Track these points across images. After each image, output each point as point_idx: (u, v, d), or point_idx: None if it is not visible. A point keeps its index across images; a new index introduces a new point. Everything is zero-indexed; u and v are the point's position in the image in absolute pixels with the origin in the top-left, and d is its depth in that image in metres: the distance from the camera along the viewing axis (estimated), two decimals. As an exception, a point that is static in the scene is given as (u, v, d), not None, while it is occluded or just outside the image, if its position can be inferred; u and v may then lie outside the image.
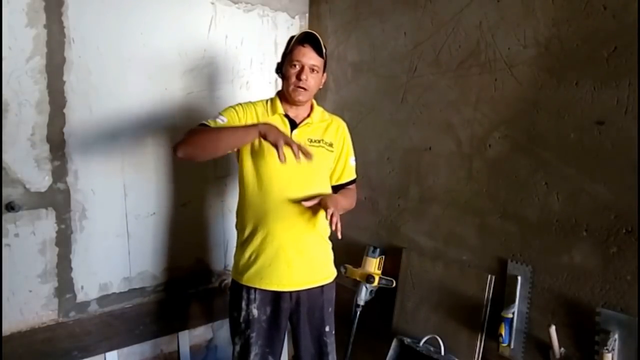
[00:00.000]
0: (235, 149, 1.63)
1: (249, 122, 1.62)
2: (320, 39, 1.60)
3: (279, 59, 1.71)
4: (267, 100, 1.71)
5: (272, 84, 2.44)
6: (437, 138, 1.93)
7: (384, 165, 2.17)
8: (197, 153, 1.50)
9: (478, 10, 1.76)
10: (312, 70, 1.60)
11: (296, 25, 2.52)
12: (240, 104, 1.68)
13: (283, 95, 1.68)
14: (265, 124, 1.49)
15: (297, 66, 1.59)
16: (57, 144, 1.81)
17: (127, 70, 1.96)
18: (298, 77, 1.59)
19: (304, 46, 1.59)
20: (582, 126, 1.47)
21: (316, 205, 1.57)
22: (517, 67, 1.64)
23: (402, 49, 2.06)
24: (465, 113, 1.82)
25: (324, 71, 1.68)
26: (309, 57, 1.59)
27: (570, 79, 1.49)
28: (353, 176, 1.82)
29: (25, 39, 1.70)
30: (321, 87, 1.73)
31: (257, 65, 2.38)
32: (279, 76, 1.69)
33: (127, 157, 2.00)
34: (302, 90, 1.60)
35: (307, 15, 2.57)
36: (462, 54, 1.82)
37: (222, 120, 1.58)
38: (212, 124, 1.55)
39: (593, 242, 1.45)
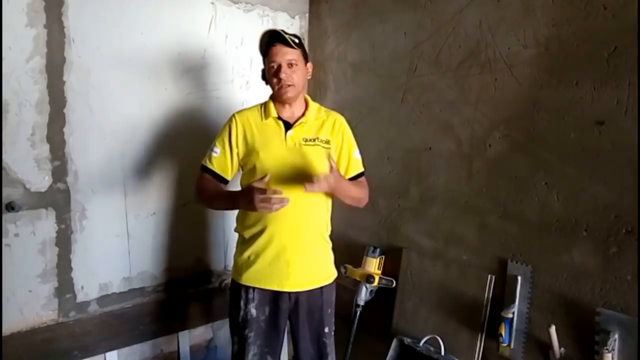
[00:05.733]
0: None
1: (240, 137, 1.64)
2: (284, 33, 1.58)
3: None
4: (261, 105, 1.70)
5: (272, 84, 2.44)
6: (437, 138, 1.93)
7: (384, 165, 2.17)
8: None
9: (478, 10, 1.76)
10: (290, 65, 1.59)
11: (296, 25, 2.52)
12: (234, 117, 1.68)
13: (276, 97, 1.68)
14: (241, 198, 1.51)
15: (274, 66, 1.59)
16: (57, 144, 1.81)
17: (127, 70, 1.96)
18: (277, 76, 1.58)
19: (274, 46, 1.58)
20: (582, 126, 1.47)
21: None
22: (517, 67, 1.64)
23: (402, 49, 2.06)
24: (465, 113, 1.82)
25: (306, 61, 1.67)
26: (282, 53, 1.58)
27: (570, 79, 1.49)
28: (360, 169, 1.78)
29: (25, 39, 1.70)
30: (309, 77, 1.71)
31: (257, 65, 2.34)
32: (265, 83, 1.69)
33: (127, 157, 2.00)
34: (287, 86, 1.59)
35: (307, 15, 2.57)
36: (462, 54, 1.82)
37: (215, 153, 1.66)
38: (208, 164, 1.67)
39: (593, 242, 1.45)
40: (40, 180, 1.79)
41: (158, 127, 2.07)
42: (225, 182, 1.70)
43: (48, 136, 1.78)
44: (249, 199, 1.43)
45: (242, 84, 2.34)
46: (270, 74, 1.61)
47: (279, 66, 1.58)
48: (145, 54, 2.00)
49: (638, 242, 1.35)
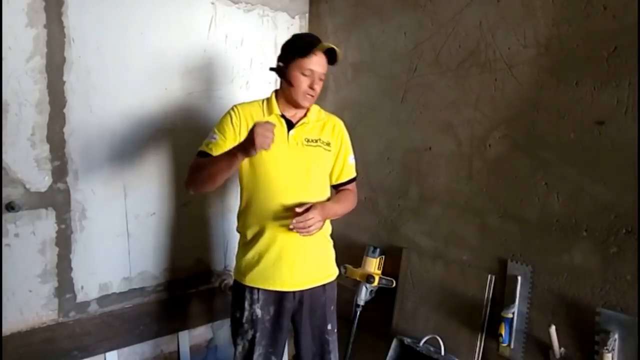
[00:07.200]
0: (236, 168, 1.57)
1: (243, 129, 1.59)
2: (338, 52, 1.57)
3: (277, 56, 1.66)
4: (263, 100, 1.69)
5: (272, 84, 2.44)
6: (437, 138, 1.93)
7: (384, 165, 2.16)
8: (204, 189, 1.60)
9: (478, 10, 1.76)
10: (321, 79, 1.60)
11: (296, 25, 2.52)
12: (235, 108, 1.65)
13: (281, 95, 1.66)
14: (242, 143, 1.41)
15: (310, 75, 1.56)
16: (57, 144, 1.81)
17: (127, 70, 1.96)
18: (311, 86, 1.57)
19: (317, 55, 1.55)
20: (582, 126, 1.47)
21: (306, 211, 1.53)
22: (517, 67, 1.64)
23: (402, 49, 2.06)
24: (465, 113, 1.82)
25: None
26: (321, 65, 1.57)
27: (570, 79, 1.49)
28: (352, 175, 1.80)
29: (25, 39, 1.70)
30: None
31: (257, 65, 2.38)
32: (279, 75, 1.66)
33: (127, 157, 2.00)
34: (311, 97, 1.60)
35: (307, 15, 2.57)
36: (462, 54, 1.82)
37: (214, 139, 1.59)
38: (205, 149, 1.59)
39: (593, 242, 1.45)
40: (40, 180, 1.79)
41: (158, 127, 2.07)
42: None
43: (48, 136, 1.78)
44: (250, 137, 1.35)
45: (242, 84, 2.34)
46: (302, 80, 1.56)
47: (315, 77, 1.57)
48: (145, 54, 2.00)
49: (638, 242, 1.35)
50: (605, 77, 1.41)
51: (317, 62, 1.56)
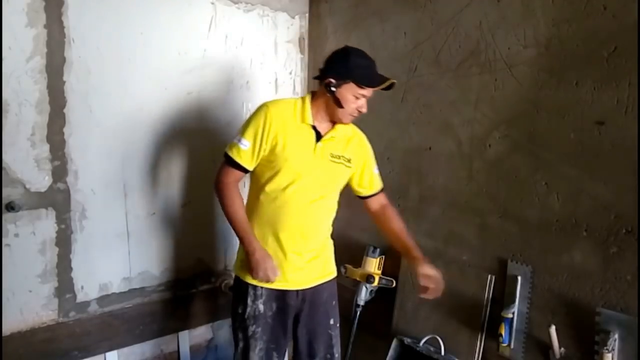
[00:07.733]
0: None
1: (272, 136, 1.56)
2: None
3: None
4: (296, 102, 1.63)
5: (272, 84, 2.44)
6: (437, 138, 1.93)
7: (384, 165, 2.15)
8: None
9: (478, 10, 1.76)
10: (367, 100, 1.62)
11: (296, 25, 2.52)
12: (269, 112, 1.57)
13: (318, 104, 1.62)
14: (258, 261, 1.56)
15: (360, 99, 1.58)
16: (57, 144, 1.81)
17: (127, 70, 1.96)
18: (359, 109, 1.60)
19: (373, 88, 1.58)
20: (582, 126, 1.47)
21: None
22: (517, 67, 1.64)
23: (402, 49, 2.06)
24: (465, 113, 1.81)
25: None
26: (372, 91, 1.60)
27: (570, 79, 1.49)
28: (381, 184, 1.82)
29: (25, 39, 1.70)
30: None
31: (257, 65, 2.38)
32: (327, 90, 1.57)
33: (127, 157, 2.00)
34: (354, 117, 1.64)
35: (307, 15, 2.57)
36: (462, 54, 1.82)
37: (245, 146, 1.57)
38: (236, 157, 1.58)
39: (593, 242, 1.45)
40: (40, 180, 1.79)
41: (158, 127, 2.07)
42: (247, 172, 1.64)
43: (48, 136, 1.78)
44: (257, 262, 1.55)
45: (242, 84, 2.34)
46: (352, 102, 1.57)
47: (365, 100, 1.60)
48: (145, 54, 2.00)
49: (638, 242, 1.35)
50: (605, 77, 1.41)
51: (369, 92, 1.58)
